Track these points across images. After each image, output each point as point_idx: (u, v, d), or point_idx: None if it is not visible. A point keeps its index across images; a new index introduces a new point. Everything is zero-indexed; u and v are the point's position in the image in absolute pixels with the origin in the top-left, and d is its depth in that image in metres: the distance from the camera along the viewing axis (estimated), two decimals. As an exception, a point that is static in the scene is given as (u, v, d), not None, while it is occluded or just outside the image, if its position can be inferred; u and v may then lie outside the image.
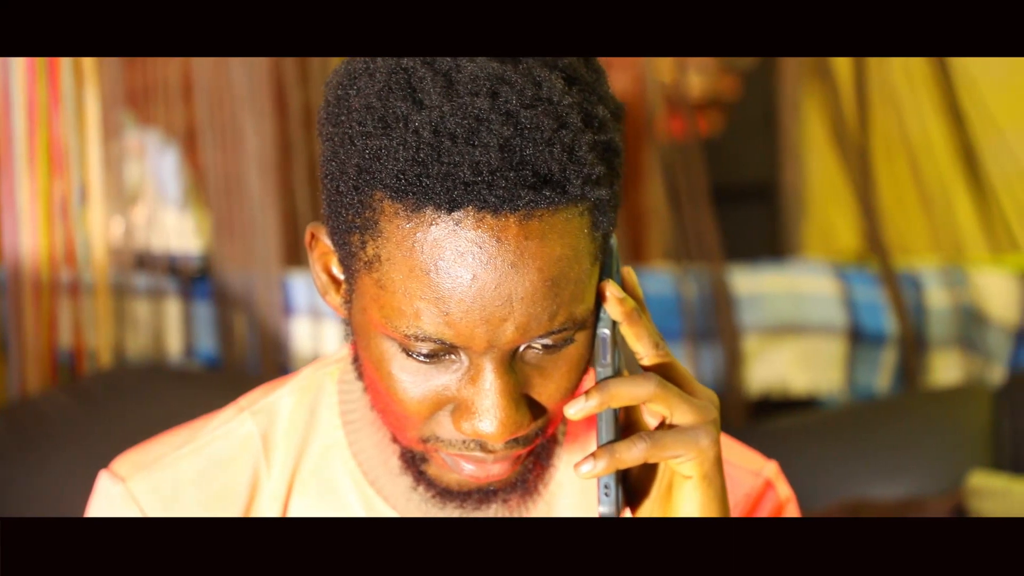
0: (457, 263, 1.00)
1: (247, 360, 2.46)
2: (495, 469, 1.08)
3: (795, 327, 2.70)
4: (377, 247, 1.02)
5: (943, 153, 2.88)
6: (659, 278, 2.70)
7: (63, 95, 2.40)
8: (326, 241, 1.09)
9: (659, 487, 1.08)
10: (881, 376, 2.74)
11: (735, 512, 1.19)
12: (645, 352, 1.07)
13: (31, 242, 2.38)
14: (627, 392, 1.05)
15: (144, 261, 2.50)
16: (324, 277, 1.10)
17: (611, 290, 1.06)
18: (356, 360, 1.12)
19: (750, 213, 3.54)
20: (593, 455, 1.05)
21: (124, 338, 2.46)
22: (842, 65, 2.85)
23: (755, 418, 2.66)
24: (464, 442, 1.06)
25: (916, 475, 2.38)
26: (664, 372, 1.07)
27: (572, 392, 1.07)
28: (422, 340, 1.02)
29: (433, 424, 1.07)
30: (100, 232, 2.43)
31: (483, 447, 1.06)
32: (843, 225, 3.09)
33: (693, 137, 2.77)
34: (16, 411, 2.25)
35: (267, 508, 1.16)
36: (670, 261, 2.77)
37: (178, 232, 2.57)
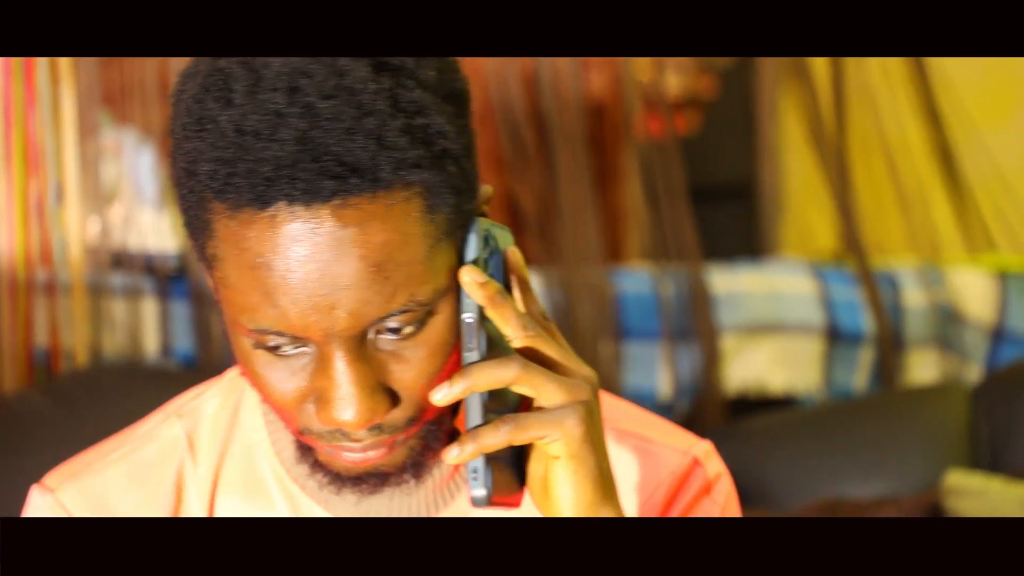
0: (279, 257, 1.01)
1: (224, 359, 2.45)
2: (371, 455, 1.08)
3: (773, 326, 2.71)
4: (214, 247, 1.04)
5: (920, 153, 2.89)
6: (637, 277, 2.70)
7: (39, 94, 2.40)
8: None
9: (537, 468, 1.09)
10: (858, 375, 2.74)
11: (661, 490, 1.19)
12: (513, 334, 1.07)
13: (7, 241, 2.37)
14: (490, 375, 1.05)
15: (121, 260, 2.50)
16: (211, 282, 1.12)
17: (468, 276, 1.06)
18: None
19: (728, 212, 3.55)
20: (459, 441, 1.05)
21: (101, 338, 2.46)
22: (820, 65, 2.85)
23: (733, 417, 2.67)
24: (331, 432, 1.07)
25: (893, 474, 2.39)
26: (534, 353, 1.07)
27: (437, 377, 1.07)
28: (265, 333, 1.04)
29: (304, 417, 1.08)
30: (76, 231, 2.42)
31: (347, 436, 1.07)
32: (820, 224, 3.10)
33: (671, 136, 2.78)
34: (-8, 411, 2.24)
35: (194, 508, 1.17)
36: (648, 260, 2.77)
37: (155, 231, 2.56)
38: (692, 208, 2.73)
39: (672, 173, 2.73)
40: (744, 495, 2.40)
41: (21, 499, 1.19)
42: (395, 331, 1.05)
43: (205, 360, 2.48)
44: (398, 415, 1.07)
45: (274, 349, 1.05)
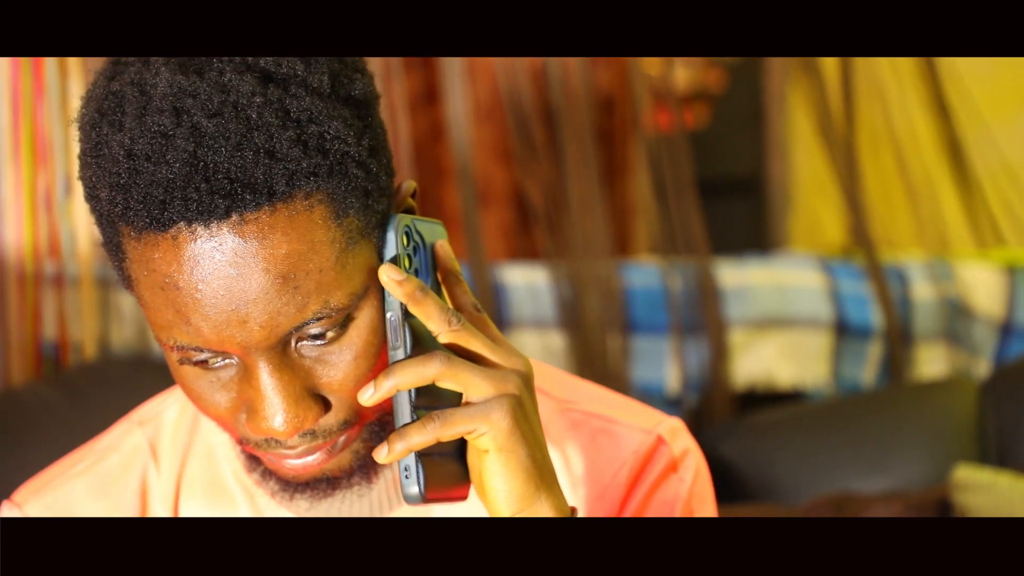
0: (185, 276, 1.02)
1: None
2: (311, 460, 1.09)
3: (781, 320, 2.70)
4: (127, 268, 1.05)
5: (929, 147, 2.89)
6: (645, 271, 2.70)
7: (47, 87, 2.40)
8: None
9: (472, 462, 1.09)
10: (867, 369, 2.74)
11: (624, 470, 1.19)
12: (438, 329, 1.06)
13: (15, 234, 2.37)
14: (413, 373, 1.05)
15: (129, 253, 2.50)
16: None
17: (386, 274, 1.06)
18: None
19: (736, 206, 3.55)
20: (387, 440, 1.05)
21: (109, 330, 2.46)
22: (829, 59, 2.85)
23: (740, 411, 2.67)
24: (266, 441, 1.08)
25: (901, 468, 2.38)
26: (459, 348, 1.07)
27: (365, 379, 1.07)
28: (185, 349, 1.04)
29: (240, 427, 1.08)
30: (85, 224, 2.42)
31: (281, 444, 1.08)
32: (829, 218, 3.10)
33: (679, 130, 2.77)
34: None
35: (159, 513, 1.19)
36: (656, 254, 2.77)
37: (163, 224, 2.56)
38: (700, 202, 2.73)
39: (680, 167, 2.73)
40: (752, 489, 2.40)
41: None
42: (317, 337, 1.05)
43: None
44: (331, 419, 1.08)
45: (201, 363, 1.05)
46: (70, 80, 2.41)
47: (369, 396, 1.05)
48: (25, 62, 2.37)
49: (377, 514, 1.17)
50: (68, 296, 2.41)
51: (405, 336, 1.06)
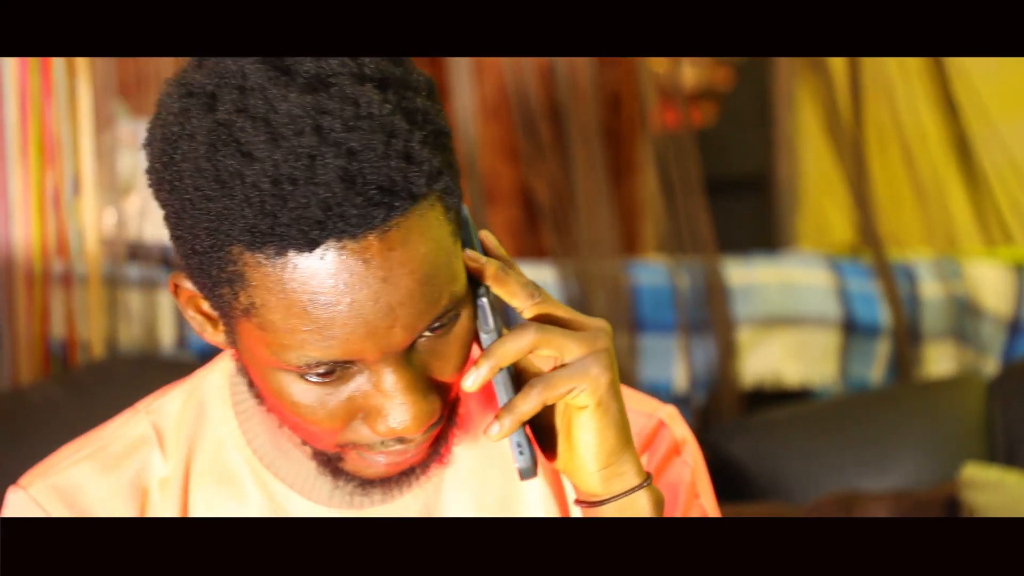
0: (331, 293, 1.03)
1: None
2: (412, 455, 1.12)
3: (788, 319, 2.70)
4: (250, 296, 1.05)
5: (937, 145, 2.88)
6: (652, 269, 2.70)
7: (55, 85, 2.40)
8: (189, 286, 1.11)
9: (562, 427, 1.12)
10: (875, 368, 2.74)
11: None
12: (522, 305, 1.10)
13: (23, 233, 2.37)
14: (512, 348, 1.08)
15: (137, 252, 2.50)
16: (199, 318, 1.13)
17: (472, 259, 1.09)
18: (252, 386, 1.15)
19: (744, 204, 3.54)
20: (496, 416, 1.08)
21: (117, 329, 2.46)
22: (836, 57, 2.84)
23: (748, 410, 2.66)
24: (383, 441, 1.10)
25: (909, 467, 2.38)
26: (546, 318, 1.10)
27: (465, 364, 1.10)
28: (314, 366, 1.06)
29: (348, 432, 1.10)
30: (93, 223, 2.43)
31: (402, 440, 1.10)
32: (837, 217, 3.09)
33: (687, 128, 2.77)
34: (8, 402, 2.24)
35: (168, 500, 1.19)
36: (663, 253, 2.77)
37: (171, 223, 2.56)
38: (708, 200, 2.73)
39: (688, 165, 2.73)
40: (759, 487, 2.40)
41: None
42: (435, 330, 1.07)
43: (220, 352, 2.48)
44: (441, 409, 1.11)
45: (324, 376, 1.07)
46: (78, 79, 2.42)
47: (473, 381, 1.08)
48: (33, 62, 2.37)
49: (433, 504, 1.19)
50: (76, 295, 2.42)
51: (495, 318, 1.10)
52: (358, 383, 1.07)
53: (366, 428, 1.09)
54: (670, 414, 1.24)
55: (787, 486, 2.39)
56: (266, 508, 1.19)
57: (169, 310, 2.49)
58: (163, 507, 1.19)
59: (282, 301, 1.03)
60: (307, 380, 1.07)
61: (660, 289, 2.68)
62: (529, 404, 1.08)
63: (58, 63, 2.40)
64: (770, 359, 2.71)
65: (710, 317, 2.67)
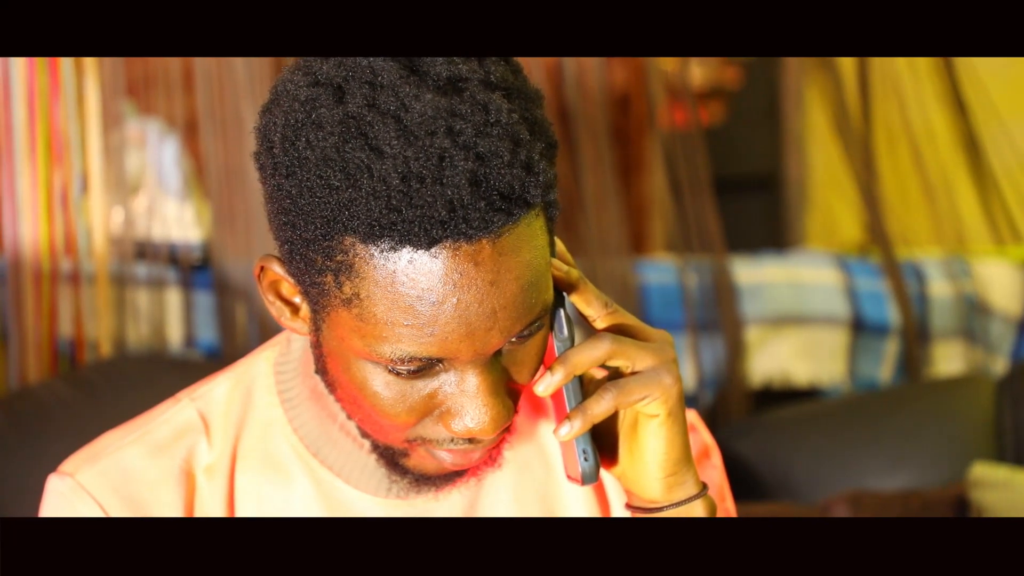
0: (439, 292, 1.05)
1: (247, 349, 2.46)
2: (477, 456, 1.14)
3: (797, 318, 2.70)
4: (355, 286, 1.06)
5: (946, 144, 2.88)
6: (661, 268, 2.69)
7: (63, 85, 2.40)
8: (276, 270, 1.13)
9: (624, 432, 1.14)
10: (883, 367, 2.73)
11: None
12: (596, 314, 1.13)
13: (31, 232, 2.38)
14: (587, 357, 1.11)
15: (144, 251, 2.50)
16: (279, 303, 1.15)
17: (558, 267, 1.12)
18: (326, 374, 1.15)
19: (752, 203, 3.54)
20: (567, 417, 1.11)
21: (124, 328, 2.46)
22: (845, 57, 2.84)
23: (757, 409, 2.66)
24: (452, 439, 1.12)
25: (918, 466, 2.38)
26: (617, 328, 1.13)
27: (538, 371, 1.13)
28: (407, 361, 1.07)
29: (419, 428, 1.12)
30: (100, 222, 2.43)
31: (472, 440, 1.12)
32: (845, 216, 3.09)
33: (695, 127, 2.77)
34: (16, 401, 2.25)
35: (214, 486, 1.20)
36: (672, 251, 2.76)
37: (178, 222, 2.57)
38: (716, 199, 2.72)
39: (696, 164, 2.73)
40: (769, 487, 2.40)
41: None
42: (521, 337, 1.09)
43: (228, 350, 2.48)
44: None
45: (415, 372, 1.09)
46: (86, 78, 2.42)
47: (546, 387, 1.10)
48: (41, 62, 2.38)
49: (475, 501, 1.22)
50: (84, 294, 2.42)
51: (570, 326, 1.12)
52: (441, 381, 1.09)
53: (440, 425, 1.11)
54: (695, 418, 1.27)
55: (796, 485, 2.39)
56: (312, 493, 1.20)
57: (176, 309, 2.50)
58: (210, 493, 1.20)
59: (388, 295, 1.05)
60: (393, 373, 1.08)
61: (668, 288, 2.67)
62: (602, 407, 1.10)
63: (66, 63, 2.40)
64: (778, 358, 2.70)
65: (718, 316, 2.66)
